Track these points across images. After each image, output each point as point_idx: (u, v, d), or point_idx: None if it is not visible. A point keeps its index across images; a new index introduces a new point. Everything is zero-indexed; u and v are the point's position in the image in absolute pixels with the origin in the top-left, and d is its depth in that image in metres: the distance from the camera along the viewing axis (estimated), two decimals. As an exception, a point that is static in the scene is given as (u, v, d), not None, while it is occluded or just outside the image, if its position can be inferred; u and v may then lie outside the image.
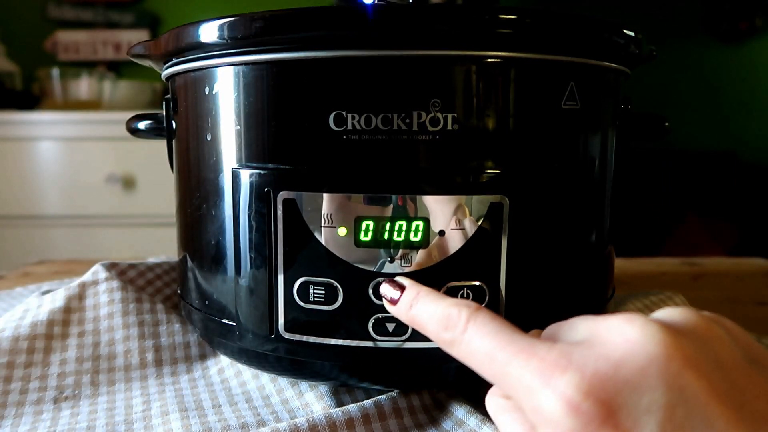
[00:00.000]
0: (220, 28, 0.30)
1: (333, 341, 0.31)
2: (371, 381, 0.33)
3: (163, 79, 0.38)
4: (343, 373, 0.32)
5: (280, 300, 0.31)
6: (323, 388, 0.35)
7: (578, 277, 0.34)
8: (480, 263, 0.30)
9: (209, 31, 0.30)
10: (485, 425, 0.30)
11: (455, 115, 0.29)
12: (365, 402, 0.32)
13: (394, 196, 0.29)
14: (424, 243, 0.29)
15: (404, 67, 0.29)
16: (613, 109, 0.35)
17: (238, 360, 0.36)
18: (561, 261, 0.32)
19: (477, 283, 0.30)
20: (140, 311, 0.42)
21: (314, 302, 0.30)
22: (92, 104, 1.69)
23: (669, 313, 0.21)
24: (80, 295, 0.42)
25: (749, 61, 2.08)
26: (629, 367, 0.18)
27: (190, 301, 0.38)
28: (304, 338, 0.31)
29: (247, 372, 0.38)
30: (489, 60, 0.29)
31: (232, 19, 0.29)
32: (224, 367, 0.39)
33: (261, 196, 0.30)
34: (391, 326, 0.30)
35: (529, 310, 0.31)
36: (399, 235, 0.29)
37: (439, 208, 0.29)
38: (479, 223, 0.29)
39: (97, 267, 0.45)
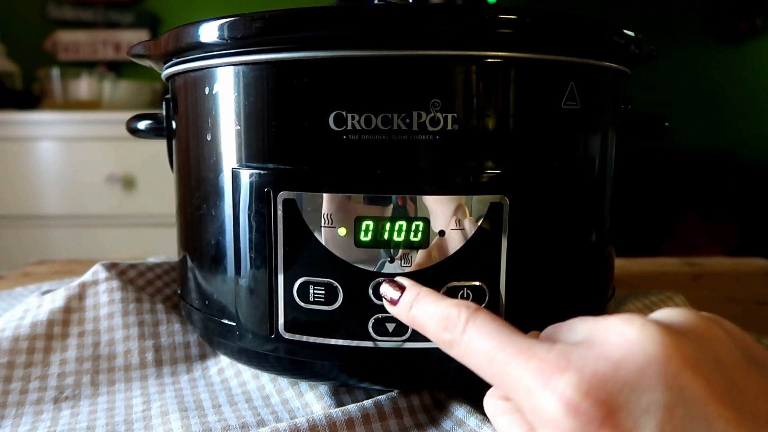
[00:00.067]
0: (220, 28, 0.30)
1: (333, 341, 0.31)
2: (371, 381, 0.33)
3: (163, 79, 0.38)
4: (343, 373, 0.32)
5: (280, 300, 0.31)
6: (323, 388, 0.35)
7: (578, 278, 0.34)
8: (480, 263, 0.30)
9: (209, 31, 0.30)
10: (485, 425, 0.30)
11: (455, 115, 0.29)
12: (365, 402, 0.32)
13: (394, 196, 0.29)
14: (424, 243, 0.29)
15: (404, 67, 0.29)
16: (613, 109, 0.35)
17: (238, 360, 0.36)
18: (561, 261, 0.32)
19: (477, 283, 0.30)
20: (140, 311, 0.42)
21: (314, 302, 0.30)
22: (92, 104, 1.69)
23: (668, 313, 0.21)
24: (80, 295, 0.42)
25: (749, 61, 2.08)
26: (628, 368, 0.18)
27: (190, 301, 0.38)
28: (304, 338, 0.31)
29: (247, 372, 0.38)
30: (489, 60, 0.29)
31: (232, 19, 0.29)
32: (224, 367, 0.39)
33: (261, 196, 0.30)
34: (391, 326, 0.30)
35: (529, 311, 0.31)
36: (399, 235, 0.29)
37: (439, 208, 0.29)
38: (479, 223, 0.29)
39: (97, 267, 0.45)
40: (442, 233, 0.29)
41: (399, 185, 0.29)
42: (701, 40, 2.08)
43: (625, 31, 0.32)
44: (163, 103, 0.38)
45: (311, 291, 0.30)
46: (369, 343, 0.30)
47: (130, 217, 1.58)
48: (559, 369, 0.19)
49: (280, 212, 0.30)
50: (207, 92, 0.33)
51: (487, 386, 0.24)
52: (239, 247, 0.32)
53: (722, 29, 2.06)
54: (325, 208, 0.29)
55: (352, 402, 0.33)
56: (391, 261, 0.30)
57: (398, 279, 0.29)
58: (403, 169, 0.29)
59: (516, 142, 0.30)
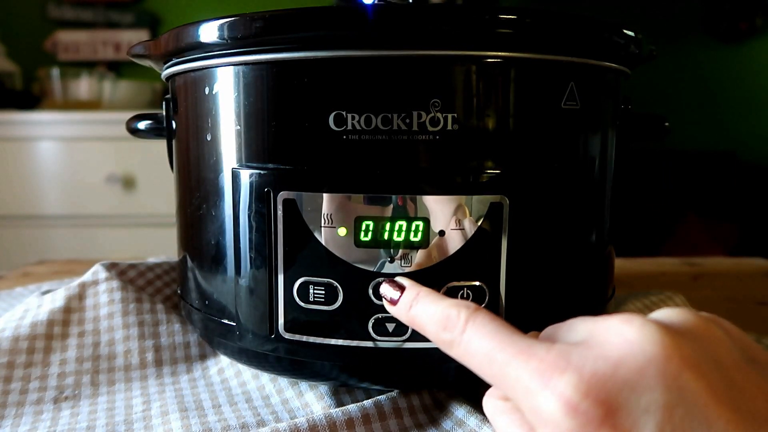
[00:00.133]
0: (220, 28, 0.30)
1: (333, 341, 0.31)
2: (371, 381, 0.33)
3: (163, 79, 0.38)
4: (343, 373, 0.32)
5: (280, 300, 0.31)
6: (323, 388, 0.35)
7: (578, 277, 0.34)
8: (480, 263, 0.30)
9: (209, 31, 0.30)
10: (485, 425, 0.30)
11: (455, 115, 0.29)
12: (365, 402, 0.32)
13: (394, 196, 0.29)
14: (424, 243, 0.29)
15: (404, 67, 0.29)
16: (613, 109, 0.35)
17: (238, 360, 0.36)
18: (561, 261, 0.32)
19: (477, 283, 0.30)
20: (140, 311, 0.42)
21: (314, 302, 0.30)
22: (92, 104, 1.69)
23: (667, 313, 0.21)
24: (80, 295, 0.42)
25: (749, 61, 2.08)
26: (628, 367, 0.18)
27: (190, 301, 0.38)
28: (304, 338, 0.31)
29: (247, 372, 0.38)
30: (489, 60, 0.29)
31: (232, 19, 0.29)
32: (224, 367, 0.39)
33: (261, 196, 0.30)
34: (391, 326, 0.30)
35: (529, 311, 0.31)
36: (399, 235, 0.29)
37: (439, 208, 0.29)
38: (479, 223, 0.29)
39: (97, 267, 0.45)
40: (442, 233, 0.29)
41: (399, 185, 0.29)
42: (701, 40, 2.08)
43: (625, 31, 0.32)
44: (163, 103, 0.38)
45: (311, 291, 0.30)
46: (369, 343, 0.31)
47: (130, 217, 1.58)
48: (558, 369, 0.19)
49: (280, 212, 0.30)
50: (207, 92, 0.33)
51: (487, 386, 0.24)
52: (239, 247, 0.32)
53: (722, 29, 2.06)
54: (325, 208, 0.29)
55: (352, 402, 0.33)
56: (391, 261, 0.30)
57: (398, 279, 0.29)
58: (403, 169, 0.29)
59: (516, 142, 0.30)
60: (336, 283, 0.30)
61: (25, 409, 0.35)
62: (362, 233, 0.30)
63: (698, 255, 0.85)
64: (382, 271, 0.30)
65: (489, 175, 0.29)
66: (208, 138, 0.33)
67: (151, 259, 0.51)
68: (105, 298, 0.42)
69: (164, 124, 0.39)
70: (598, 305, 0.37)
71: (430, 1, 0.46)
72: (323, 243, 0.30)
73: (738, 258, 0.82)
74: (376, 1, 0.36)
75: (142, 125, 0.41)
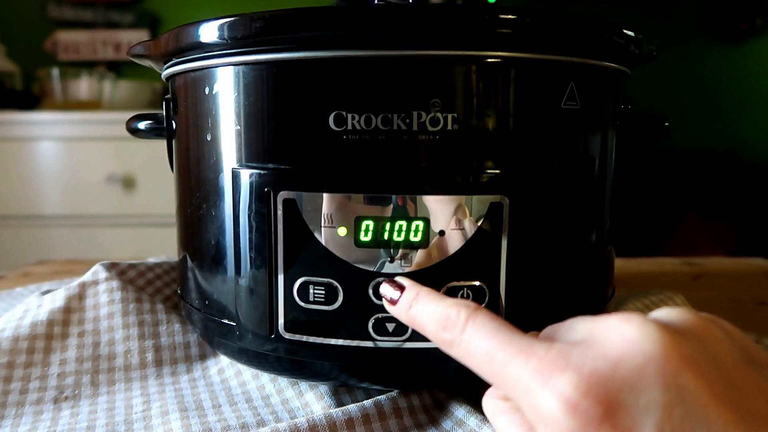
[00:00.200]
0: (220, 28, 0.30)
1: (333, 341, 0.31)
2: (371, 381, 0.33)
3: (163, 79, 0.38)
4: (343, 373, 0.32)
5: (280, 300, 0.31)
6: (323, 388, 0.35)
7: (578, 277, 0.34)
8: (480, 263, 0.30)
9: (209, 31, 0.30)
10: (485, 425, 0.30)
11: (455, 115, 0.29)
12: (365, 402, 0.32)
13: (394, 196, 0.29)
14: (424, 243, 0.29)
15: (404, 67, 0.29)
16: (613, 109, 0.35)
17: (238, 360, 0.36)
18: (561, 261, 0.32)
19: (477, 283, 0.30)
20: (140, 311, 0.42)
21: (314, 302, 0.31)
22: (92, 104, 1.69)
23: (666, 313, 0.21)
24: (80, 295, 0.42)
25: (749, 61, 2.08)
26: (627, 366, 0.18)
27: (190, 301, 0.38)
28: (304, 338, 0.31)
29: (247, 372, 0.38)
30: (489, 60, 0.29)
31: (232, 19, 0.29)
32: (224, 367, 0.39)
33: (261, 196, 0.30)
34: (391, 326, 0.30)
35: (529, 310, 0.31)
36: (399, 235, 0.29)
37: (439, 208, 0.29)
38: (479, 223, 0.29)
39: (97, 267, 0.45)
40: (442, 233, 0.29)
41: (399, 185, 0.29)
42: (701, 40, 2.08)
43: (625, 31, 0.32)
44: (163, 103, 0.38)
45: (311, 291, 0.30)
46: (369, 343, 0.31)
47: (130, 217, 1.58)
48: (558, 368, 0.19)
49: (280, 212, 0.30)
50: (207, 92, 0.33)
51: (487, 386, 0.24)
52: (239, 247, 0.32)
53: (722, 29, 2.06)
54: (325, 208, 0.29)
55: (352, 402, 0.33)
56: (391, 261, 0.30)
57: (398, 279, 0.29)
58: (403, 169, 0.29)
59: (516, 142, 0.30)
60: (336, 283, 0.30)
61: (25, 409, 0.35)
62: (362, 233, 0.30)
63: (698, 255, 0.85)
64: (382, 271, 0.30)
65: (489, 175, 0.29)
66: (208, 138, 0.33)
67: (151, 259, 0.51)
68: (105, 298, 0.42)
69: (164, 124, 0.39)
70: (598, 305, 0.37)
71: (430, 1, 0.46)
72: (323, 243, 0.30)
73: (738, 258, 0.82)
74: (376, 1, 0.36)
75: (142, 125, 0.41)
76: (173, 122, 0.38)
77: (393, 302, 0.28)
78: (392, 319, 0.30)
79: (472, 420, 0.31)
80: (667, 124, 0.39)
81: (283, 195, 0.30)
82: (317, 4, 0.30)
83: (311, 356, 0.32)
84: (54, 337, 0.40)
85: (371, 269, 0.30)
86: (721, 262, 0.79)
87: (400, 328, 0.30)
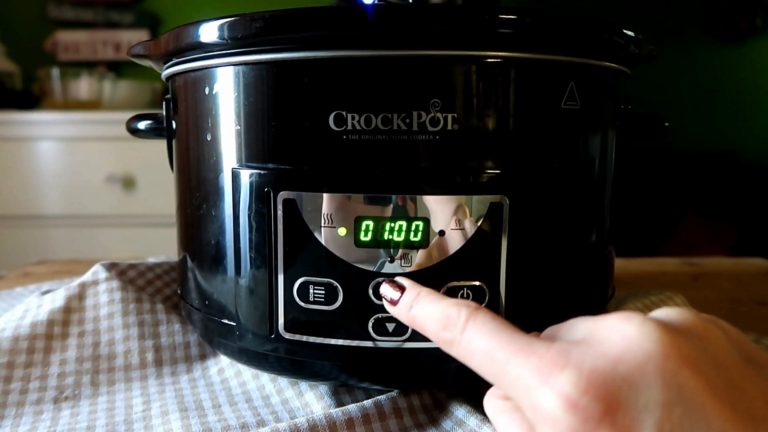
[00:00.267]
0: (220, 28, 0.30)
1: (333, 341, 0.31)
2: (371, 381, 0.33)
3: (163, 79, 0.38)
4: (343, 373, 0.32)
5: (280, 300, 0.31)
6: (323, 388, 0.35)
7: (578, 277, 0.34)
8: (480, 263, 0.30)
9: (209, 31, 0.30)
10: (485, 425, 0.30)
11: (455, 115, 0.29)
12: (365, 402, 0.32)
13: (394, 196, 0.29)
14: (424, 243, 0.29)
15: (404, 67, 0.29)
16: (613, 109, 0.35)
17: (238, 360, 0.36)
18: (561, 261, 0.32)
19: (477, 283, 0.30)
20: (140, 311, 0.42)
21: (314, 302, 0.31)
22: (92, 104, 1.69)
23: (666, 312, 0.21)
24: (80, 295, 0.42)
25: (749, 61, 2.08)
26: (627, 365, 0.18)
27: (190, 301, 0.38)
28: (304, 338, 0.31)
29: (247, 372, 0.38)
30: (489, 60, 0.29)
31: (232, 19, 0.29)
32: (224, 367, 0.39)
33: (261, 196, 0.30)
34: (391, 326, 0.30)
35: (529, 310, 0.31)
36: (399, 235, 0.29)
37: (439, 208, 0.29)
38: (479, 223, 0.29)
39: (97, 267, 0.45)
40: (442, 233, 0.29)
41: (399, 185, 0.29)
42: (701, 40, 2.08)
43: (625, 31, 0.32)
44: (163, 103, 0.38)
45: (311, 291, 0.30)
46: (369, 343, 0.31)
47: (130, 217, 1.58)
48: (558, 366, 0.19)
49: (280, 212, 0.30)
50: (207, 92, 0.33)
51: (487, 386, 0.24)
52: (239, 247, 0.32)
53: (722, 29, 2.06)
54: (325, 208, 0.29)
55: (352, 402, 0.33)
56: (391, 261, 0.30)
57: (398, 279, 0.29)
58: (403, 169, 0.29)
59: (516, 142, 0.30)
60: (336, 283, 0.30)
61: (25, 409, 0.35)
62: (362, 233, 0.30)
63: (698, 255, 0.85)
64: (382, 271, 0.30)
65: (489, 175, 0.29)
66: (208, 138, 0.33)
67: (151, 259, 0.51)
68: (105, 298, 0.42)
69: (164, 124, 0.39)
70: (598, 305, 0.37)
71: (430, 1, 0.46)
72: (323, 243, 0.30)
73: (738, 258, 0.82)
74: (376, 1, 0.36)
75: (142, 125, 0.41)
76: (173, 122, 0.38)
77: (393, 303, 0.28)
78: (392, 319, 0.30)
79: (472, 420, 0.31)
80: (667, 124, 0.39)
81: (283, 195, 0.30)
82: (317, 4, 0.30)
83: (311, 356, 0.32)
84: (54, 337, 0.40)
85: (371, 269, 0.30)
86: (721, 262, 0.79)
87: (400, 328, 0.30)
